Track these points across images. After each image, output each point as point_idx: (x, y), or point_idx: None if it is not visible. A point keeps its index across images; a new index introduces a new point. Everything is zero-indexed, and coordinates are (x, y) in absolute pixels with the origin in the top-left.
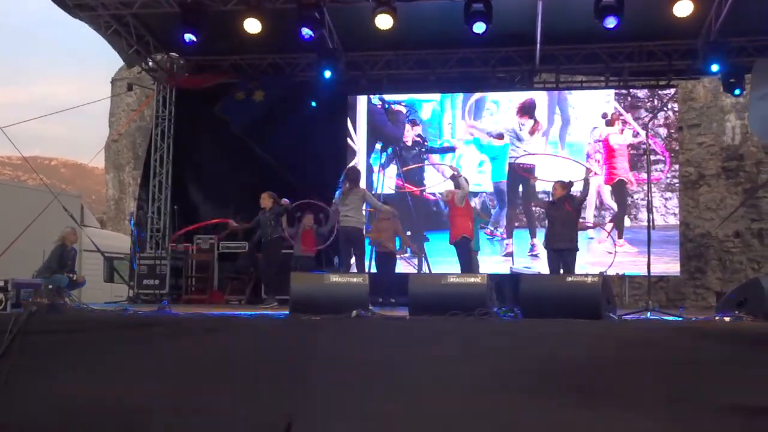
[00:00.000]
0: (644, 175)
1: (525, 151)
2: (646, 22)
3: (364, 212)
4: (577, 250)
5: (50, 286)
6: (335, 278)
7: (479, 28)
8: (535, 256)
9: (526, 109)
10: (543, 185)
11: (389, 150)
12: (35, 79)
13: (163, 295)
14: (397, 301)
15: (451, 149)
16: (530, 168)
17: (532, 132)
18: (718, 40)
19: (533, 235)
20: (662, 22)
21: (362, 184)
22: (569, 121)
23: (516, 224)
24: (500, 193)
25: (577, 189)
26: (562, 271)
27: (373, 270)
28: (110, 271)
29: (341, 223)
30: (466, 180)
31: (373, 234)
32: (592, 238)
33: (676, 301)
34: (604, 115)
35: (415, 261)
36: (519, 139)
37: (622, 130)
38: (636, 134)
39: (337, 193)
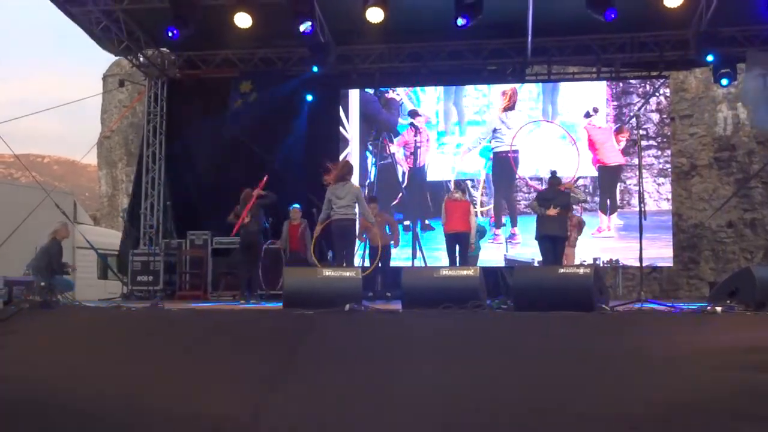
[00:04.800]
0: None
1: (511, 139)
2: (637, 13)
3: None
4: (567, 238)
5: (42, 284)
6: (328, 272)
7: (460, 22)
8: (516, 243)
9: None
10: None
11: (381, 138)
12: (26, 77)
13: (157, 291)
14: (392, 295)
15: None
16: (515, 156)
17: (509, 104)
18: (709, 30)
19: (514, 224)
20: (653, 13)
21: (356, 173)
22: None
23: (505, 213)
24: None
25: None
26: None
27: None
28: (104, 268)
29: (334, 217)
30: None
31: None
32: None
33: (669, 291)
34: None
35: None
36: (505, 128)
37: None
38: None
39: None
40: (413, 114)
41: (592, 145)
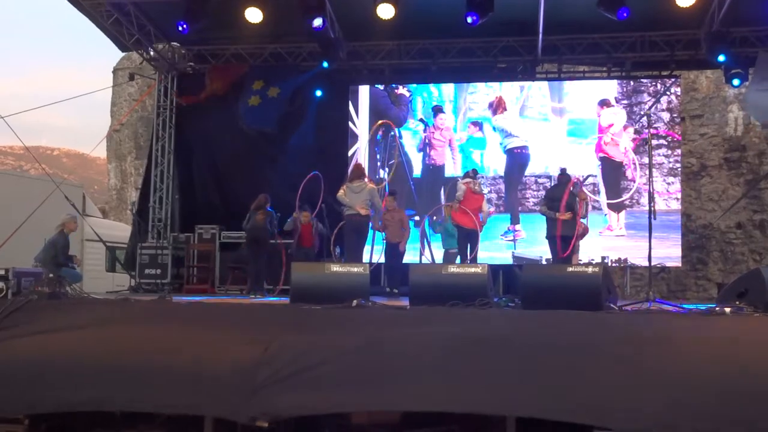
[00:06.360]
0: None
1: (517, 137)
2: (648, 12)
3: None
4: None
5: (51, 275)
6: (336, 268)
7: (469, 20)
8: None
9: (498, 104)
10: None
11: (390, 134)
12: (37, 70)
13: (165, 284)
14: (399, 291)
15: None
16: (525, 152)
17: (497, 110)
18: (721, 30)
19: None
20: (665, 12)
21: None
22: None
23: (519, 208)
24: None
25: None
26: None
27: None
28: (112, 260)
29: (347, 212)
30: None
31: (379, 226)
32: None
33: (677, 292)
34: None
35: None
36: (508, 125)
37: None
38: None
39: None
40: (437, 111)
41: (601, 128)
